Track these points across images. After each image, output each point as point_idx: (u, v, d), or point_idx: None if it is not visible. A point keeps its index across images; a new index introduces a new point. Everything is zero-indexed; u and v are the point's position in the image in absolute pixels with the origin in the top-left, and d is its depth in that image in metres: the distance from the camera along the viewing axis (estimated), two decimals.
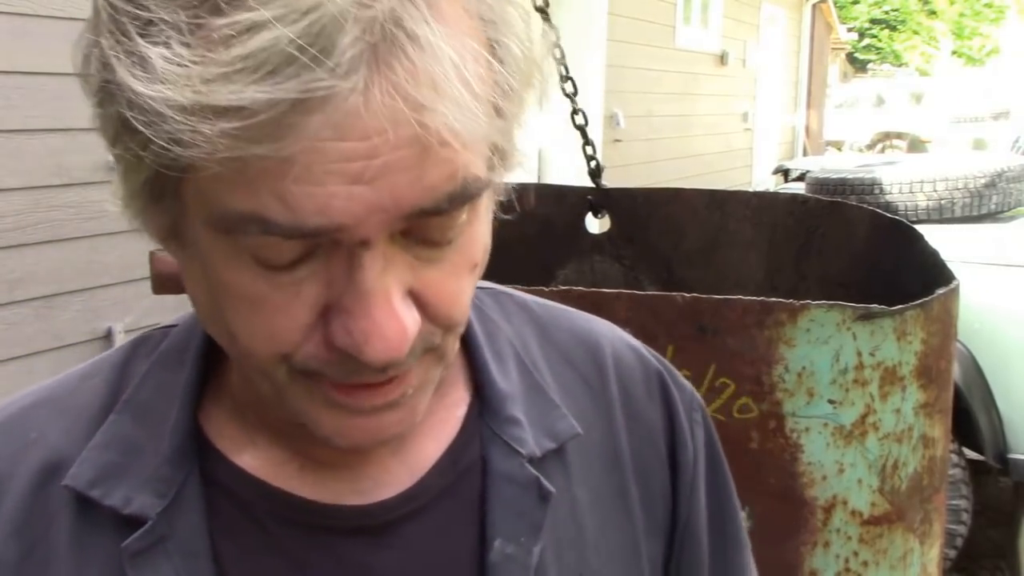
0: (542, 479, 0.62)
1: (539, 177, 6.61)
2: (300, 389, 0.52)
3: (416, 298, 0.50)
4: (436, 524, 0.61)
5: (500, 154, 0.52)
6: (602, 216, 2.27)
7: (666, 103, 7.99)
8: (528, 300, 0.73)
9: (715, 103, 9.31)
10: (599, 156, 2.23)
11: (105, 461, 0.58)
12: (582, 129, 2.15)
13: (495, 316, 0.69)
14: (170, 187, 0.48)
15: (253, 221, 0.45)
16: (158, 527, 0.56)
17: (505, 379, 0.66)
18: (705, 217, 2.22)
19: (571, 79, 2.10)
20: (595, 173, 2.23)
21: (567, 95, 2.11)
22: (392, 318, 0.47)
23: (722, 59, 9.29)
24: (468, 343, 0.66)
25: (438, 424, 0.63)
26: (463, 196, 0.48)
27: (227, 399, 0.61)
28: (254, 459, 0.60)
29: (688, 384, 0.75)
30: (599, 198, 2.24)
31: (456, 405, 0.65)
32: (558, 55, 2.07)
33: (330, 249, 0.47)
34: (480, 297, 0.70)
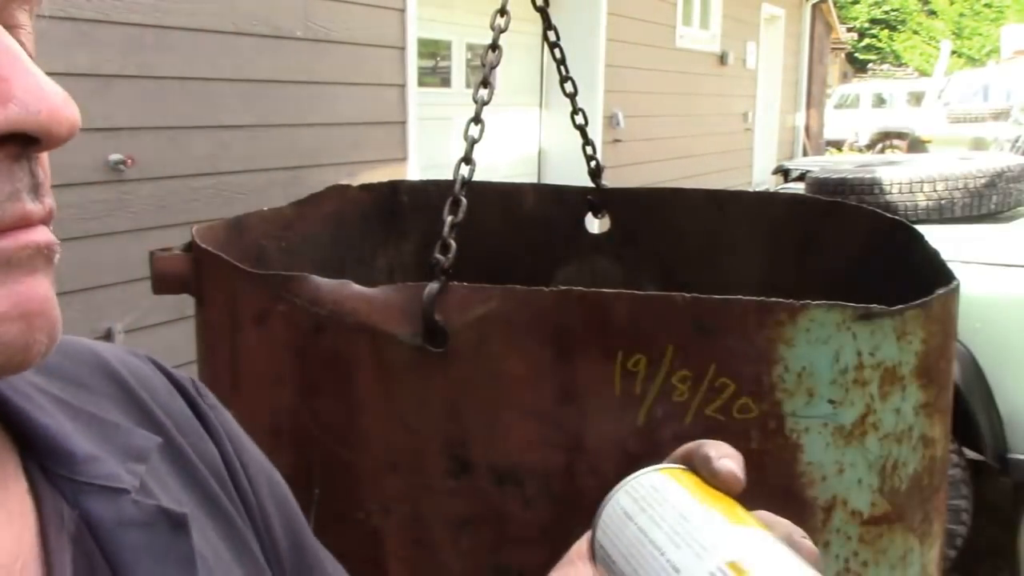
0: (163, 503, 0.51)
1: (539, 177, 6.61)
2: None
3: None
4: None
5: None
6: (602, 216, 2.27)
7: (666, 103, 8.00)
8: None
9: (715, 103, 9.31)
10: (599, 156, 2.23)
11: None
12: (582, 129, 2.15)
13: None
14: None
15: None
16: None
17: (49, 418, 0.51)
18: (705, 217, 2.22)
19: (571, 79, 2.10)
20: (595, 173, 2.23)
21: (567, 95, 2.11)
22: (44, 77, 0.37)
23: (722, 59, 9.29)
24: None
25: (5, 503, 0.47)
26: None
27: None
28: None
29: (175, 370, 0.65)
30: (599, 198, 2.24)
31: (5, 464, 0.48)
32: (558, 55, 2.08)
33: None
34: None
